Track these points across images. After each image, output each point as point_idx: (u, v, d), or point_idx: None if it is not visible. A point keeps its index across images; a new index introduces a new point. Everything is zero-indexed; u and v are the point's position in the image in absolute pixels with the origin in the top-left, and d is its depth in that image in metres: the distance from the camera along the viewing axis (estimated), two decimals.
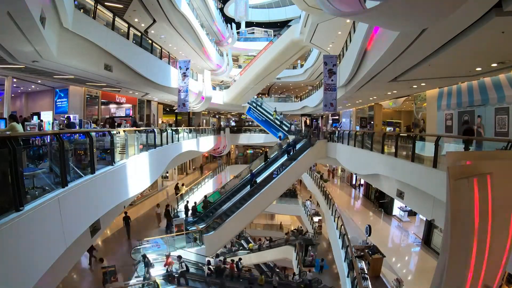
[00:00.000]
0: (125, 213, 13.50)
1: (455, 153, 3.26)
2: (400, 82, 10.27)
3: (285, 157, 16.39)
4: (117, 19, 10.14)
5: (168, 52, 15.88)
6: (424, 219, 12.83)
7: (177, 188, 20.80)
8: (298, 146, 16.99)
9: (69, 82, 11.67)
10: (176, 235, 12.87)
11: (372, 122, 18.53)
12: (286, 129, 24.50)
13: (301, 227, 24.22)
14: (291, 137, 20.04)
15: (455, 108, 10.42)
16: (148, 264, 10.27)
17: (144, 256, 10.45)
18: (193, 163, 30.93)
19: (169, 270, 10.80)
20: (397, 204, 16.29)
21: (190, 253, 12.39)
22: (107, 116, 14.60)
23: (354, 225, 15.97)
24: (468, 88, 9.67)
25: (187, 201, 16.85)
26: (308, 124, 32.01)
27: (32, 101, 13.21)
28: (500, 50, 6.22)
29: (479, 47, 6.07)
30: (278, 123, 25.82)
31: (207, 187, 22.48)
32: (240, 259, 14.20)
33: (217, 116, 38.24)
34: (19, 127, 6.35)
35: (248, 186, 15.61)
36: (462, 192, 2.79)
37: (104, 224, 6.74)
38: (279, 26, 34.90)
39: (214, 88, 23.99)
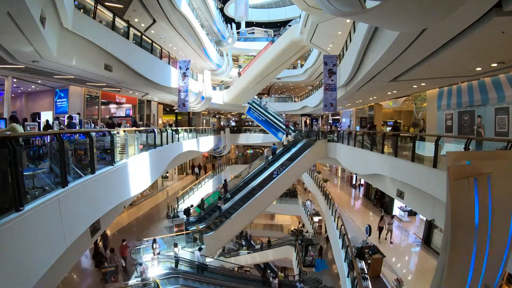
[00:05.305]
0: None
1: (455, 153, 3.25)
2: (400, 82, 10.28)
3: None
4: (117, 19, 10.15)
5: (168, 52, 15.88)
6: (424, 219, 12.82)
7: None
8: (297, 146, 16.97)
9: (69, 82, 11.66)
10: (176, 235, 12.88)
11: (372, 122, 18.52)
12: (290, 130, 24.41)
13: (301, 226, 24.20)
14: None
15: (455, 108, 10.42)
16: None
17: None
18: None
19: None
20: (397, 204, 16.29)
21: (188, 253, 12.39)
22: (107, 116, 14.60)
23: (354, 225, 15.97)
24: (468, 88, 9.67)
25: (202, 198, 16.93)
26: (308, 124, 32.02)
27: (32, 101, 13.20)
28: (500, 50, 6.22)
29: (479, 47, 6.07)
30: (276, 121, 25.78)
31: (207, 187, 22.46)
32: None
33: (217, 116, 38.21)
34: (19, 128, 6.34)
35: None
36: (462, 192, 2.79)
37: (104, 224, 6.73)
38: (279, 26, 34.91)
39: (214, 88, 23.97)
